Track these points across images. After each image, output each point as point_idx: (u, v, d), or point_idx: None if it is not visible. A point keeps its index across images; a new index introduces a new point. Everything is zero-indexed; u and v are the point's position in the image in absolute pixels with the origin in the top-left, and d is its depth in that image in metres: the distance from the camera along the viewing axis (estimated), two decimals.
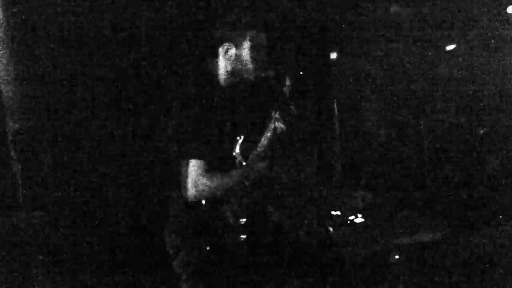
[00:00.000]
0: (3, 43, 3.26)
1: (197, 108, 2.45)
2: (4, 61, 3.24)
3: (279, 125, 2.64)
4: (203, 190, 2.44)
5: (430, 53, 4.21)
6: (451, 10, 4.17)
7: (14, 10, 3.27)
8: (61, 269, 3.31)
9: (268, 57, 2.61)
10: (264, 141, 2.63)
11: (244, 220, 2.59)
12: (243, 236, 2.57)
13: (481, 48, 4.07)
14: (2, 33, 3.23)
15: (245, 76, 2.58)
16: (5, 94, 3.25)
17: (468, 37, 4.11)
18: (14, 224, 3.18)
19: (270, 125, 2.63)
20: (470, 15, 4.11)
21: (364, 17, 4.32)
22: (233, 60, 2.55)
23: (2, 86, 3.26)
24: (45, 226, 3.26)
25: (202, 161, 2.43)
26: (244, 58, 2.55)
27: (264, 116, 2.70)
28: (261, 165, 2.63)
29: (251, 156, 2.63)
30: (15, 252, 3.16)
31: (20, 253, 3.16)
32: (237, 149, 2.62)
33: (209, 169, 2.46)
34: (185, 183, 2.43)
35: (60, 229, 3.34)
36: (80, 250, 3.42)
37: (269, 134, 2.63)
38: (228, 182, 2.53)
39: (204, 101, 2.47)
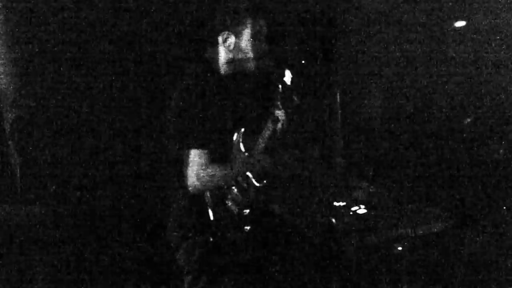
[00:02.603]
0: (1, 36, 3.24)
1: (198, 98, 2.43)
2: (2, 53, 3.23)
3: (281, 116, 2.62)
4: (204, 181, 2.41)
5: (435, 47, 4.19)
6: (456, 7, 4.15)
7: (11, 5, 3.26)
8: (60, 263, 3.30)
9: (269, 46, 2.57)
10: (266, 132, 2.61)
11: (248, 211, 2.57)
12: (247, 228, 2.56)
13: (487, 42, 4.05)
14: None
15: (245, 65, 2.55)
16: (3, 87, 3.24)
17: (473, 32, 4.09)
18: (13, 217, 3.17)
19: (272, 116, 2.61)
20: (475, 12, 4.09)
21: (369, 9, 4.30)
22: (232, 49, 2.52)
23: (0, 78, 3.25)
24: (43, 219, 3.24)
25: (203, 151, 2.41)
26: (244, 47, 2.52)
27: (266, 106, 2.68)
28: (264, 156, 2.61)
29: (253, 147, 2.61)
30: (14, 245, 3.15)
31: (18, 246, 3.15)
32: (240, 140, 2.59)
33: (211, 160, 2.43)
34: (187, 173, 2.40)
35: (59, 223, 3.32)
36: (79, 244, 3.40)
37: (271, 125, 2.61)
38: (230, 173, 2.52)
39: (204, 91, 2.45)
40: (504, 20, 3.93)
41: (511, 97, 3.99)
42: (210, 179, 2.42)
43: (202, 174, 2.40)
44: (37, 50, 3.33)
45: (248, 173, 2.57)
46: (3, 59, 3.24)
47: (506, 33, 3.93)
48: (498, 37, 3.95)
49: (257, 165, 2.59)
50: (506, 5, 3.86)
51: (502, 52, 3.95)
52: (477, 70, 4.05)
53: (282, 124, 2.65)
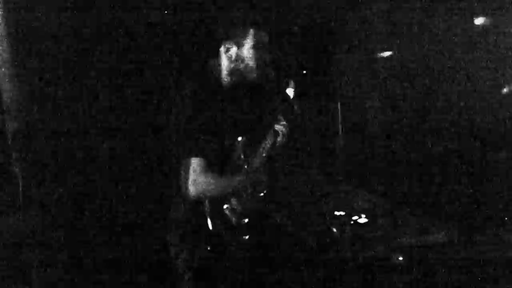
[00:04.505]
0: (3, 42, 3.25)
1: (198, 107, 2.44)
2: (4, 60, 3.23)
3: (282, 129, 2.62)
4: (202, 189, 2.42)
5: (433, 51, 4.19)
6: (453, 9, 4.15)
7: (14, 8, 3.26)
8: (60, 270, 3.30)
9: (270, 56, 2.59)
10: (267, 141, 2.62)
11: (247, 220, 2.57)
12: (246, 237, 2.56)
13: (483, 45, 4.04)
14: (2, 32, 3.22)
15: (246, 75, 2.56)
16: (5, 94, 3.24)
17: (471, 34, 4.09)
18: (14, 224, 3.17)
19: (273, 126, 2.62)
20: (472, 12, 4.09)
21: (367, 16, 4.31)
22: (234, 59, 2.53)
23: (2, 85, 3.25)
24: (44, 226, 3.25)
25: (202, 160, 2.41)
26: (246, 57, 2.53)
27: (267, 116, 2.69)
28: (264, 165, 2.62)
29: (254, 157, 2.61)
30: (15, 253, 3.15)
31: (19, 254, 3.15)
32: (240, 149, 2.60)
33: (210, 169, 2.44)
34: (185, 181, 2.41)
35: (60, 230, 3.33)
36: (80, 251, 3.40)
37: (272, 135, 2.61)
38: (229, 183, 2.52)
39: (205, 100, 2.46)
40: (503, 20, 3.93)
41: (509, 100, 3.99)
42: (209, 188, 2.43)
43: (199, 182, 2.40)
44: (42, 60, 3.34)
45: (248, 183, 2.58)
46: (7, 70, 3.24)
47: (505, 34, 3.93)
48: (497, 38, 3.95)
49: (257, 174, 2.59)
50: (505, 7, 3.86)
51: (502, 53, 3.95)
52: (478, 72, 4.04)
53: (283, 134, 2.66)
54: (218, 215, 2.51)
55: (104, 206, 3.47)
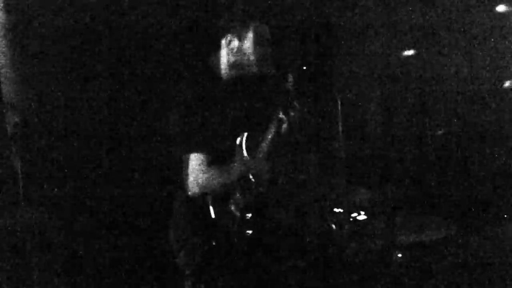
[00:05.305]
0: (3, 40, 3.26)
1: (199, 101, 2.44)
2: (5, 57, 3.24)
3: (282, 123, 2.62)
4: (204, 184, 2.41)
5: (431, 52, 4.22)
6: (451, 9, 4.18)
7: (14, 7, 3.27)
8: (61, 266, 3.30)
9: (271, 50, 2.59)
10: (267, 137, 2.61)
11: (250, 215, 2.56)
12: (249, 232, 2.55)
13: (481, 46, 4.08)
14: (2, 30, 3.24)
15: (247, 69, 2.56)
16: (6, 90, 3.25)
17: (468, 36, 4.12)
18: (14, 220, 3.17)
19: (273, 122, 2.62)
20: (469, 14, 4.12)
21: (367, 15, 4.33)
22: (235, 52, 2.54)
23: (2, 82, 3.26)
24: (45, 222, 3.24)
25: (203, 154, 2.41)
26: (247, 51, 2.53)
27: (267, 111, 2.69)
28: (264, 162, 2.61)
29: (256, 151, 2.61)
30: (16, 249, 3.15)
31: (20, 250, 3.15)
32: (242, 144, 2.59)
33: (211, 163, 2.44)
34: (187, 177, 2.40)
35: (61, 226, 3.33)
36: (81, 247, 3.40)
37: (272, 130, 2.61)
38: (230, 177, 2.51)
39: (206, 94, 2.46)
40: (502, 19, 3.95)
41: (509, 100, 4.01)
42: (210, 183, 2.42)
43: (200, 177, 2.40)
44: (40, 55, 3.35)
45: (251, 177, 2.57)
46: (7, 64, 3.25)
47: (503, 35, 3.95)
48: (495, 38, 3.97)
49: (259, 169, 2.59)
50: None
51: (501, 52, 3.97)
52: (478, 72, 4.06)
53: (284, 129, 2.65)
54: (221, 209, 2.51)
55: (106, 202, 3.47)
